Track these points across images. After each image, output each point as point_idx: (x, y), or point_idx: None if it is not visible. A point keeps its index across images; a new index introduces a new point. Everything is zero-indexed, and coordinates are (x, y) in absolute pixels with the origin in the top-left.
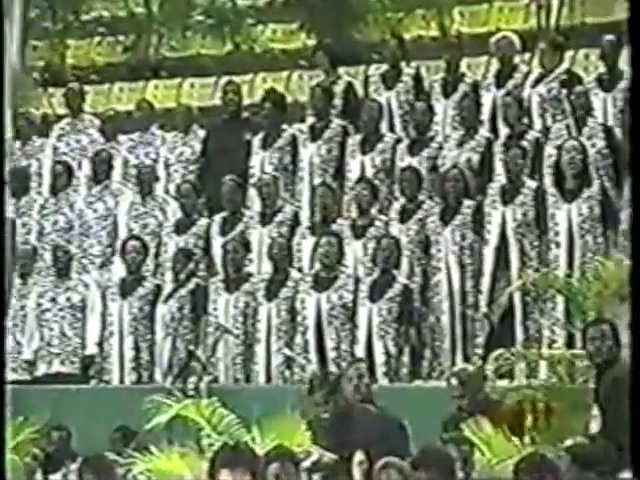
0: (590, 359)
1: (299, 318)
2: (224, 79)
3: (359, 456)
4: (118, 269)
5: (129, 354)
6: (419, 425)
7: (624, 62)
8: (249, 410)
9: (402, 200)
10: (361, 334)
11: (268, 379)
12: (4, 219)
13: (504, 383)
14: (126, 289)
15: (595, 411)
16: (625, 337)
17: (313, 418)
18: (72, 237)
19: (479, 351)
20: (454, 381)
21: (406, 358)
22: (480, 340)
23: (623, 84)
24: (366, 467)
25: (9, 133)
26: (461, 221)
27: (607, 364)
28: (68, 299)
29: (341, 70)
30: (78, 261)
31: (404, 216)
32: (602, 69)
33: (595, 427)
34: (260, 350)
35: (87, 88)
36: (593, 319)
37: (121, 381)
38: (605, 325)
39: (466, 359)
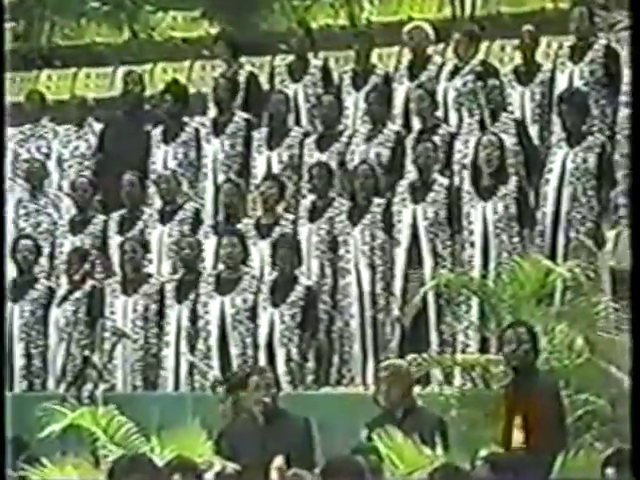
0: (506, 363)
1: (201, 323)
2: (122, 69)
3: (278, 461)
4: (8, 270)
5: (20, 361)
6: (328, 434)
7: (541, 54)
8: (148, 419)
9: (311, 197)
10: (262, 340)
11: (176, 386)
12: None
13: (417, 389)
14: (17, 292)
15: (518, 420)
16: (543, 341)
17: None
18: None
19: (391, 356)
20: (383, 373)
21: (311, 365)
22: (392, 345)
23: (541, 77)
24: (284, 471)
25: None
26: (371, 220)
27: (523, 369)
28: None
29: (244, 60)
30: None
31: (313, 215)
32: (518, 61)
33: (516, 435)
34: (169, 355)
35: None
36: (510, 322)
37: (11, 389)
38: (522, 328)
39: (377, 365)
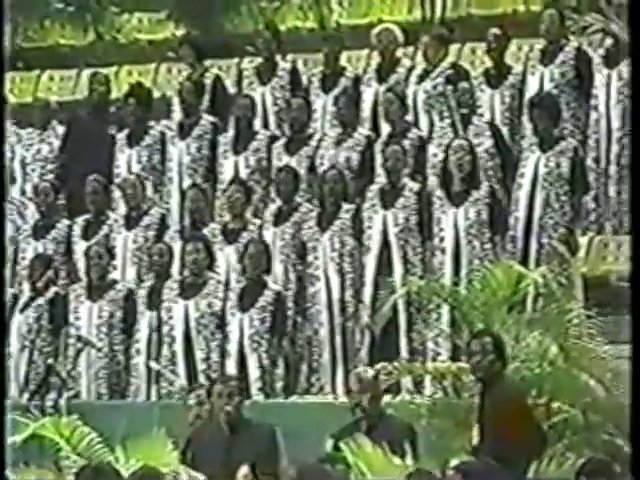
0: (472, 373)
1: (166, 328)
2: (86, 71)
3: (243, 470)
4: None
5: None
6: (296, 443)
7: (510, 56)
8: (113, 428)
9: (278, 202)
10: (232, 346)
11: (148, 395)
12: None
13: (387, 398)
14: None
15: (475, 431)
16: (515, 349)
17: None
18: None
19: (361, 364)
20: (354, 385)
21: (280, 371)
22: (362, 353)
23: (511, 80)
24: None
25: None
26: (340, 226)
27: (489, 379)
28: None
29: (210, 63)
30: None
31: (279, 219)
32: (489, 64)
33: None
34: (140, 363)
35: None
36: (475, 331)
37: None
38: (487, 338)
39: (347, 373)
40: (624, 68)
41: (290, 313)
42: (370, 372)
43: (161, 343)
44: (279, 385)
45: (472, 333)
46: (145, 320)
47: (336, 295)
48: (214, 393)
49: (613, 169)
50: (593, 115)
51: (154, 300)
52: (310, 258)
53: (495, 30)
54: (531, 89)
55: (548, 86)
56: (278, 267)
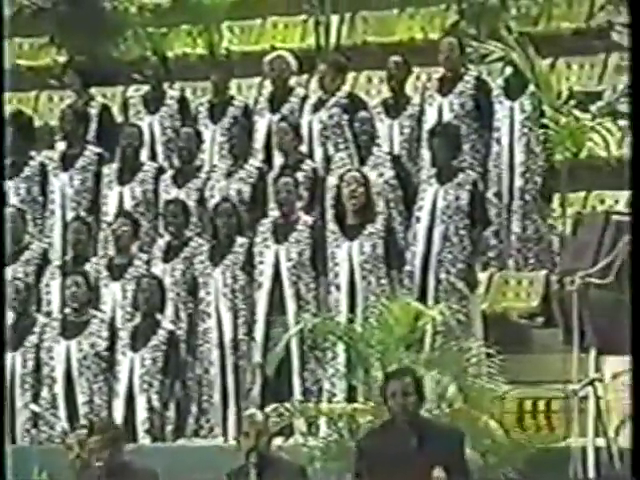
0: (392, 417)
1: (46, 369)
2: None
3: None
4: None
5: None
6: None
7: (409, 85)
8: None
9: (167, 237)
10: (121, 387)
11: (13, 440)
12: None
13: (279, 441)
14: None
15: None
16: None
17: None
18: None
19: (252, 405)
20: (248, 427)
21: (171, 413)
22: (254, 393)
23: (410, 110)
24: None
25: None
26: (233, 261)
27: (416, 421)
28: None
29: (95, 91)
30: None
31: (169, 254)
32: (387, 93)
33: None
34: (5, 406)
35: None
36: (394, 370)
37: None
38: (407, 378)
39: (239, 415)
40: (526, 100)
41: (182, 352)
42: (260, 414)
43: (41, 385)
44: (169, 428)
45: (368, 372)
46: (9, 361)
47: (228, 333)
48: (92, 438)
49: (517, 204)
50: (494, 148)
51: (19, 339)
52: (201, 294)
53: (396, 58)
54: (430, 120)
55: (447, 117)
56: (168, 304)
